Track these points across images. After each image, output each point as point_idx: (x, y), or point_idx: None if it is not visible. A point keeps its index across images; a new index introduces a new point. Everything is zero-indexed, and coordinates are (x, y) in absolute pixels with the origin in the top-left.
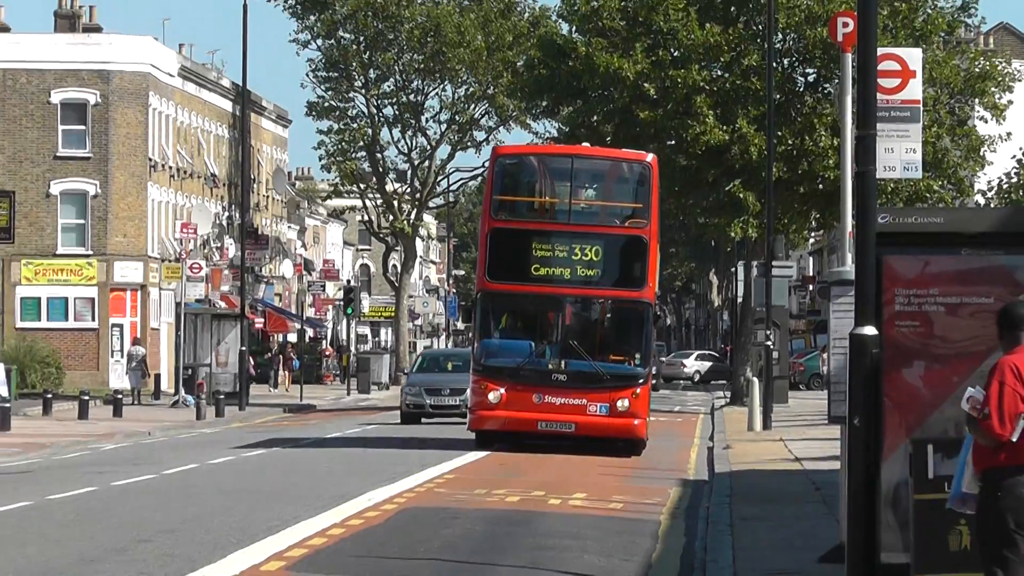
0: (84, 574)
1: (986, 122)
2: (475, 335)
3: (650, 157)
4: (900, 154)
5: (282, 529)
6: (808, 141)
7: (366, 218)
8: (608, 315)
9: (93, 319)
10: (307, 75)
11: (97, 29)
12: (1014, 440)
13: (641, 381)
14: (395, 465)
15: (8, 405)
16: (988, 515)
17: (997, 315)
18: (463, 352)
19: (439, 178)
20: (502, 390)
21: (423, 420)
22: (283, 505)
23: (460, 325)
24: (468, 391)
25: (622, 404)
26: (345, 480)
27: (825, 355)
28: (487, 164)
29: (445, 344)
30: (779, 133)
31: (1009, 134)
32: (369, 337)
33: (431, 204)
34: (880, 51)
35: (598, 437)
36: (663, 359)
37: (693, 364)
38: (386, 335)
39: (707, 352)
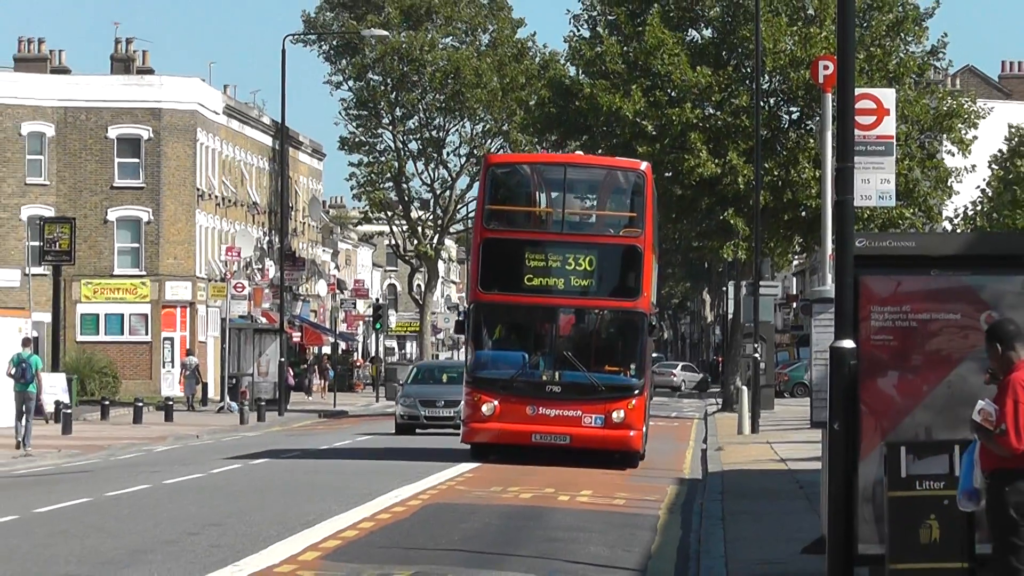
0: (138, 563)
1: (953, 155)
2: (468, 346)
3: (644, 165)
4: (875, 184)
5: (317, 523)
6: (792, 172)
7: (393, 242)
8: (603, 325)
9: (146, 333)
10: (339, 113)
11: (149, 71)
12: None
13: (637, 392)
14: (418, 466)
15: (69, 411)
16: (997, 509)
17: (988, 331)
18: (458, 364)
19: (459, 206)
20: (496, 402)
21: (417, 431)
22: (318, 501)
23: None
24: (462, 403)
25: (617, 415)
26: (373, 479)
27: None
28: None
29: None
30: (766, 165)
31: (974, 166)
32: (396, 349)
33: (452, 229)
34: (857, 91)
35: (594, 449)
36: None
37: (680, 374)
38: (411, 348)
39: (688, 364)
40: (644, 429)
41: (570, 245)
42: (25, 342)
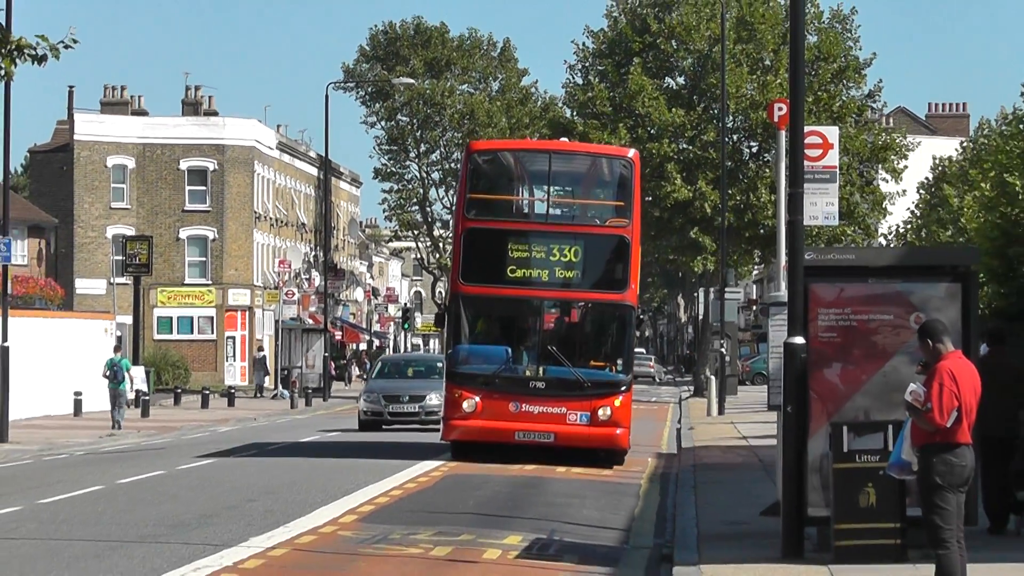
0: (205, 525)
1: (887, 182)
2: (449, 340)
3: (631, 152)
4: (822, 207)
5: (355, 491)
6: (752, 197)
7: (418, 256)
8: (588, 319)
9: (212, 332)
10: (373, 148)
11: (214, 113)
12: (948, 427)
13: (623, 388)
14: (436, 443)
15: (148, 398)
16: (925, 476)
17: (920, 329)
18: (426, 358)
19: None
20: (477, 398)
21: (383, 427)
22: (356, 474)
23: None
24: (429, 398)
25: (603, 413)
26: (402, 454)
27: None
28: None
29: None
30: (730, 191)
31: (904, 191)
32: (421, 346)
33: None
34: (806, 129)
35: (579, 447)
36: None
37: (655, 366)
38: (434, 344)
39: (656, 358)
40: (629, 427)
41: (555, 235)
42: (116, 348)
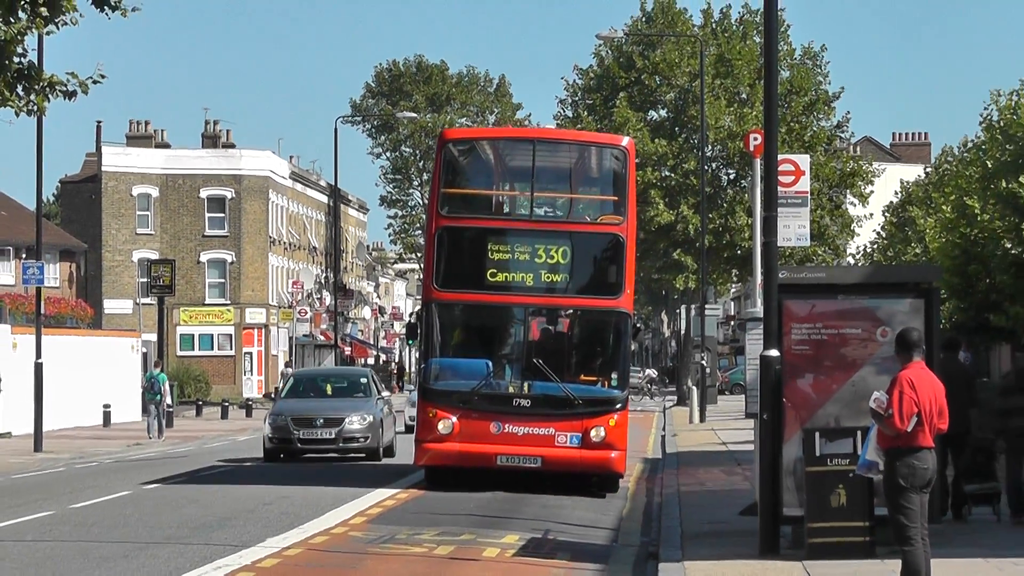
0: (225, 527)
1: (854, 206)
2: (422, 354)
3: (626, 140)
4: (794, 229)
5: (364, 495)
6: (730, 220)
7: (422, 277)
8: (579, 328)
9: (231, 349)
10: (379, 177)
11: (232, 146)
12: (908, 431)
13: (619, 406)
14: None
15: (171, 409)
16: (890, 478)
17: (896, 338)
18: (347, 372)
19: None
20: (454, 418)
21: (294, 457)
22: (365, 478)
23: None
24: (348, 421)
25: (596, 434)
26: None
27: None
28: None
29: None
30: (710, 215)
31: (871, 214)
32: None
33: None
34: (780, 157)
35: (569, 473)
36: None
37: (643, 376)
38: None
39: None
40: (626, 449)
41: (540, 234)
42: (156, 363)
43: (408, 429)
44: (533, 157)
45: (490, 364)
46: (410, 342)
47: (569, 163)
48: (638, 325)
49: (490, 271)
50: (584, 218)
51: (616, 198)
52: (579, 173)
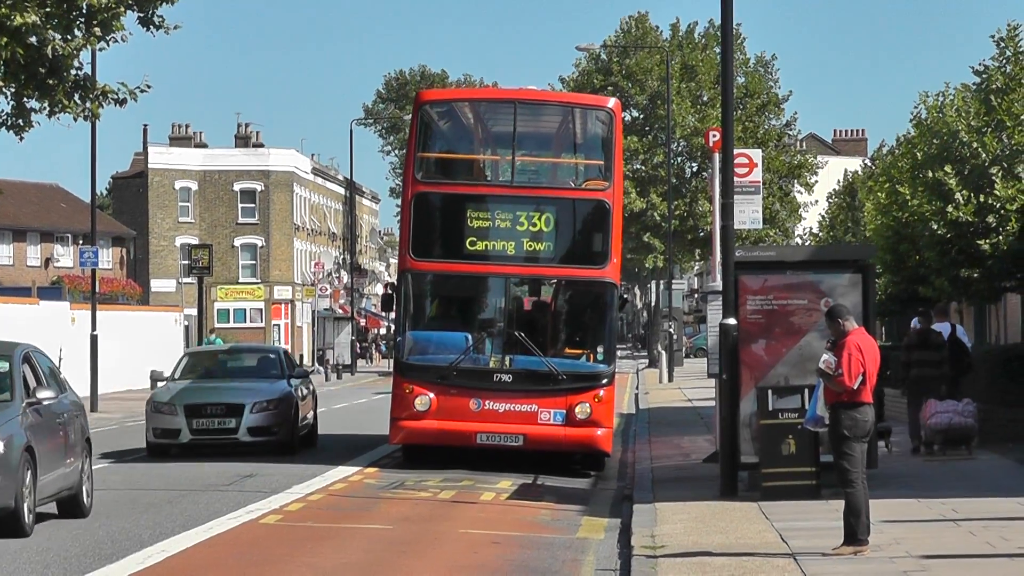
0: (256, 476)
1: (801, 194)
2: (398, 326)
3: (612, 102)
4: (748, 214)
5: (377, 447)
6: (694, 207)
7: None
8: (562, 299)
9: (261, 321)
10: (389, 171)
11: (261, 145)
12: (854, 388)
13: (605, 381)
14: None
15: None
16: (835, 429)
17: (828, 312)
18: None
19: None
20: (431, 395)
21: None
22: (378, 432)
23: None
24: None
25: (582, 410)
26: None
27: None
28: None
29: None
30: (675, 203)
31: (816, 201)
32: None
33: None
34: (736, 151)
35: (553, 451)
36: None
37: None
38: None
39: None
40: (613, 426)
41: (522, 200)
42: (212, 330)
43: None
44: (514, 119)
45: (469, 337)
46: (386, 314)
47: (552, 125)
48: (624, 296)
49: (469, 239)
50: (568, 183)
51: (602, 162)
52: (563, 136)
